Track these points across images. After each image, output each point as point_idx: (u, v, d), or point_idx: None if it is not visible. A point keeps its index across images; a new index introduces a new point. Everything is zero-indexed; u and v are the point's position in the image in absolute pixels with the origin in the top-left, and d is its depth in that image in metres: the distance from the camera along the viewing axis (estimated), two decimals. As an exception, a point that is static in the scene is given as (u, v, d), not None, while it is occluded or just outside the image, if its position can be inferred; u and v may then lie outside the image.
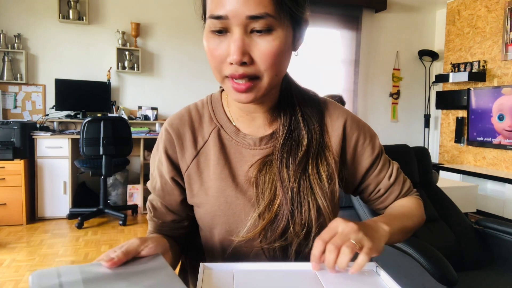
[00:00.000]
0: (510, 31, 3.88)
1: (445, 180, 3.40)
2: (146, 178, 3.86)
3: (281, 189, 0.66)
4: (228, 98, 0.74)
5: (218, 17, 0.56)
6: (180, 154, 0.72)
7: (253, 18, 0.55)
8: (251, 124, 0.72)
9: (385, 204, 0.79)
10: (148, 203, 0.77)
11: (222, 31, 0.58)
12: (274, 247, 0.68)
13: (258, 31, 0.57)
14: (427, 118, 5.03)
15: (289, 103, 0.71)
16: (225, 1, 0.55)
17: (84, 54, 3.92)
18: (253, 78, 0.59)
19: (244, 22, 0.55)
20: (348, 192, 0.81)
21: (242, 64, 0.57)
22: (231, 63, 0.58)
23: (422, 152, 2.13)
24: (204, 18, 0.62)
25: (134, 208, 3.72)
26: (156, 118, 4.09)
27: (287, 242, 0.67)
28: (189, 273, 0.83)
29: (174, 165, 0.72)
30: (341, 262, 0.54)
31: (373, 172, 0.76)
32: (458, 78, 4.24)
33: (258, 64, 0.58)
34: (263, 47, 0.57)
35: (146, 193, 4.15)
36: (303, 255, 0.69)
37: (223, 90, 0.77)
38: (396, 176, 0.78)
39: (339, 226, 0.58)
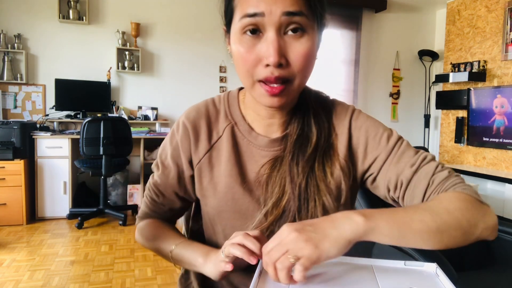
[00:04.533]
0: (510, 31, 3.88)
1: (445, 180, 3.39)
2: (146, 178, 3.85)
3: (289, 185, 0.67)
4: (246, 101, 0.74)
5: (253, 15, 0.56)
6: (194, 147, 0.73)
7: (289, 14, 0.56)
8: (266, 128, 0.72)
9: (416, 201, 0.65)
10: (152, 187, 0.77)
11: (256, 31, 0.58)
12: None
13: (293, 31, 0.57)
14: (427, 118, 5.03)
15: (304, 105, 0.72)
16: None
17: (84, 54, 3.92)
18: (286, 81, 0.60)
19: (280, 20, 0.56)
20: (378, 193, 0.73)
21: (278, 66, 0.57)
22: (267, 65, 0.57)
23: (422, 152, 2.13)
24: (228, 26, 0.63)
25: (134, 208, 3.72)
26: (156, 118, 4.09)
27: None
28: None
29: (190, 162, 0.74)
30: (280, 279, 0.50)
31: (392, 161, 0.67)
32: (458, 78, 4.23)
33: (293, 66, 0.59)
34: (298, 49, 0.58)
35: (146, 193, 4.15)
36: None
37: (240, 89, 0.77)
38: (420, 164, 0.66)
39: (282, 233, 0.52)
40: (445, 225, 0.54)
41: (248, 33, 0.58)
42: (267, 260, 0.51)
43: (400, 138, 0.70)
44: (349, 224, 0.52)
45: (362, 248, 1.85)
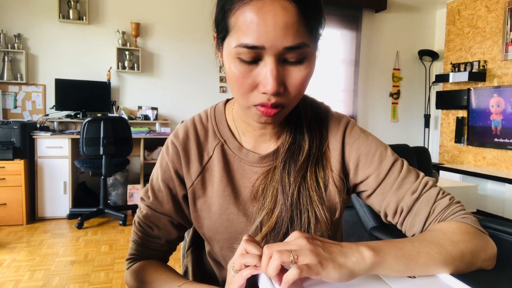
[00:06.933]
0: (510, 31, 3.88)
1: (445, 180, 3.40)
2: (146, 178, 3.86)
3: (281, 195, 0.65)
4: (234, 112, 0.71)
5: (253, 47, 0.52)
6: (186, 169, 0.70)
7: (291, 49, 0.52)
8: (258, 139, 0.70)
9: (416, 228, 0.64)
10: (143, 221, 0.72)
11: (253, 61, 0.54)
12: None
13: (293, 61, 0.55)
14: (427, 118, 5.03)
15: (297, 114, 0.70)
16: (262, 31, 0.51)
17: (84, 54, 3.92)
18: (281, 106, 0.58)
19: (280, 52, 0.53)
20: (373, 208, 0.72)
21: (276, 94, 0.55)
22: (264, 93, 0.55)
23: (422, 152, 2.14)
24: (222, 37, 0.57)
25: (134, 208, 3.72)
26: (156, 118, 4.09)
27: None
28: (191, 266, 0.84)
29: (182, 181, 0.71)
30: (268, 267, 0.46)
31: (392, 187, 0.66)
32: (458, 78, 4.24)
33: (290, 92, 0.57)
34: (297, 76, 0.56)
35: (146, 193, 4.15)
36: None
37: (227, 101, 0.75)
38: (421, 191, 0.65)
39: (290, 236, 0.51)
40: (450, 258, 0.55)
41: (245, 59, 0.54)
42: (266, 251, 0.47)
43: (396, 160, 0.68)
44: (357, 257, 0.50)
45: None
